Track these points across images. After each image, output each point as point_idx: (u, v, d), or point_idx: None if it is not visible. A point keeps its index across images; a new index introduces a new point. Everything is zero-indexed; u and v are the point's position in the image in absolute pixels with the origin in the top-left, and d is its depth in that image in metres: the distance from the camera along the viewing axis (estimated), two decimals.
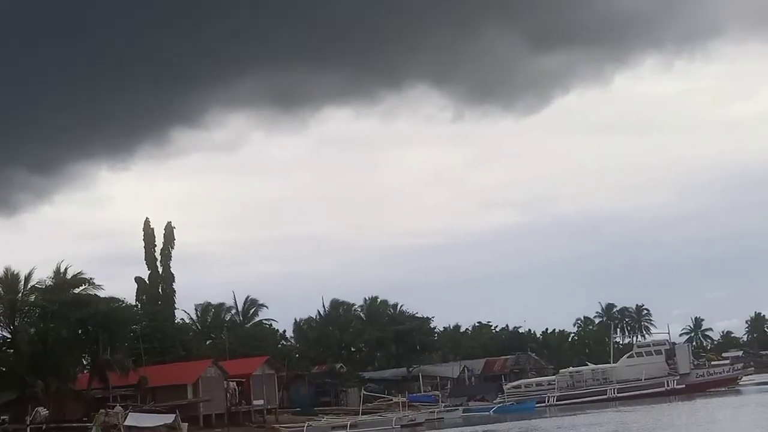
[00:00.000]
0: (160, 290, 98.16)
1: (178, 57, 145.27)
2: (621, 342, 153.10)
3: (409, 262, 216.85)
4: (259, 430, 70.88)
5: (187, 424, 56.29)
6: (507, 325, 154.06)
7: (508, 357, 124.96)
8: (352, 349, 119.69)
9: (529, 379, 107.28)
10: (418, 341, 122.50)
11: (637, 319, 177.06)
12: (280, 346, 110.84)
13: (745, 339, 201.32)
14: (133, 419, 55.48)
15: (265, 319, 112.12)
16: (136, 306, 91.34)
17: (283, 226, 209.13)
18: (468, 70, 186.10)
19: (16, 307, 67.00)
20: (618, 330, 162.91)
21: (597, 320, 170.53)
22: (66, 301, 67.74)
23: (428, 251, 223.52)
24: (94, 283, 71.60)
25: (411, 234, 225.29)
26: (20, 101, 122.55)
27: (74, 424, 57.81)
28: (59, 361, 65.46)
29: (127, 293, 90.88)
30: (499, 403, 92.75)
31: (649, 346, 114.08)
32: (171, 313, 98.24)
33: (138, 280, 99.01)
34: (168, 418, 55.30)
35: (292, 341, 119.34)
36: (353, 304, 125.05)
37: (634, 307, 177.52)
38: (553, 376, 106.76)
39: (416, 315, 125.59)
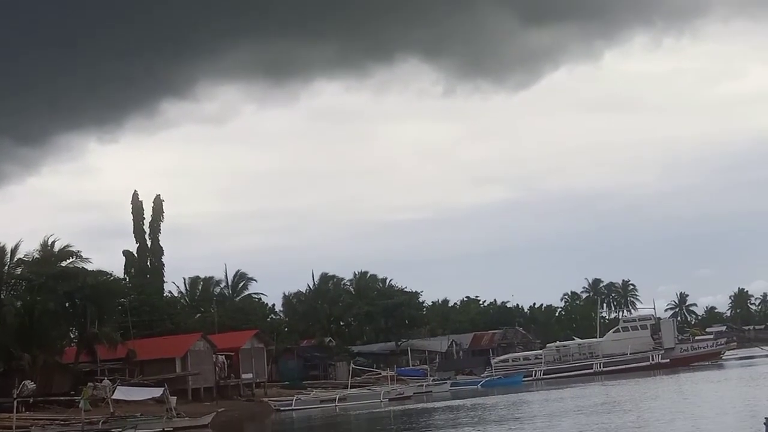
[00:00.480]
0: (148, 263, 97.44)
1: (168, 28, 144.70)
2: (607, 317, 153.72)
3: (399, 237, 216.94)
4: (248, 404, 70.67)
5: (175, 397, 55.93)
6: (495, 300, 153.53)
7: (495, 331, 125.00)
8: (341, 323, 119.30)
9: (516, 354, 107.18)
10: (407, 315, 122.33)
11: (623, 294, 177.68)
12: (269, 319, 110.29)
13: (729, 314, 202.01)
14: (122, 393, 55.16)
15: (254, 293, 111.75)
16: (125, 279, 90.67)
17: (272, 199, 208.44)
18: (460, 44, 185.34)
19: (2, 280, 66.35)
20: (604, 305, 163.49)
21: (584, 295, 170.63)
22: (53, 274, 67.23)
23: (418, 226, 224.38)
24: (81, 256, 71.12)
25: (401, 208, 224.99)
26: (7, 72, 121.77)
27: (62, 398, 57.53)
28: (46, 335, 65.10)
29: (116, 266, 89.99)
30: (487, 377, 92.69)
31: (634, 321, 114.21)
32: (160, 286, 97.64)
33: (126, 253, 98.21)
34: (156, 392, 54.97)
35: (281, 315, 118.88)
36: (342, 279, 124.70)
37: (620, 282, 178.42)
38: (540, 351, 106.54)
39: (405, 289, 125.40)
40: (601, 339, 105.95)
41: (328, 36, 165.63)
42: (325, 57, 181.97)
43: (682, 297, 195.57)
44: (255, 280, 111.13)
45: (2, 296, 66.37)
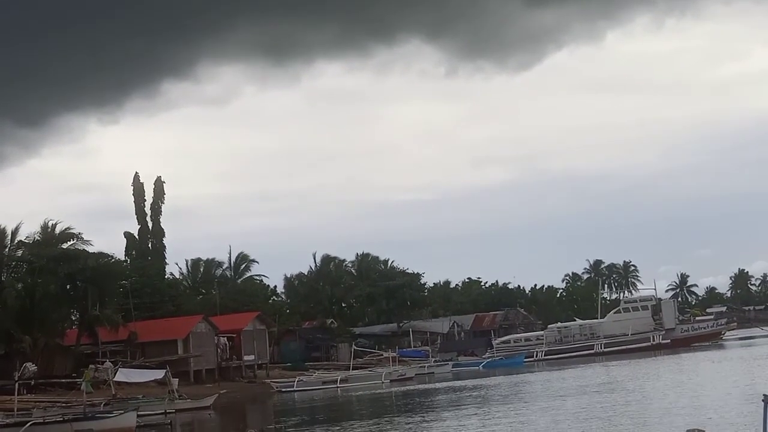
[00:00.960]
0: (149, 245, 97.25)
1: (169, 8, 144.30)
2: (608, 298, 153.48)
3: (400, 218, 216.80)
4: (250, 386, 70.66)
5: (177, 379, 55.92)
6: (496, 281, 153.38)
7: (497, 312, 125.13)
8: (343, 305, 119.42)
9: (517, 335, 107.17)
10: (409, 297, 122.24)
11: (624, 275, 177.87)
12: (270, 301, 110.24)
13: (729, 295, 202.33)
14: (123, 375, 55.08)
15: (256, 275, 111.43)
16: (126, 261, 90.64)
17: (274, 181, 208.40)
18: (462, 24, 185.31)
19: (3, 262, 66.36)
20: (605, 286, 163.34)
21: (585, 276, 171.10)
22: (54, 256, 67.07)
23: (419, 207, 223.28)
24: (82, 238, 71.04)
25: (402, 189, 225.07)
26: (7, 54, 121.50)
27: (63, 380, 57.47)
28: (47, 317, 65.07)
29: (117, 248, 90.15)
30: (489, 358, 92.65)
31: (635, 301, 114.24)
32: (161, 268, 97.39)
33: (127, 235, 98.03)
34: (158, 374, 54.91)
35: (283, 297, 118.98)
36: (344, 260, 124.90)
37: (621, 263, 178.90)
38: (542, 332, 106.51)
39: (407, 271, 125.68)
40: (602, 320, 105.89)
41: (330, 16, 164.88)
42: (327, 38, 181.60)
43: (683, 278, 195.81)
44: (257, 261, 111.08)
45: (3, 278, 66.27)
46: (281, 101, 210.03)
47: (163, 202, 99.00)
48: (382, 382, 69.91)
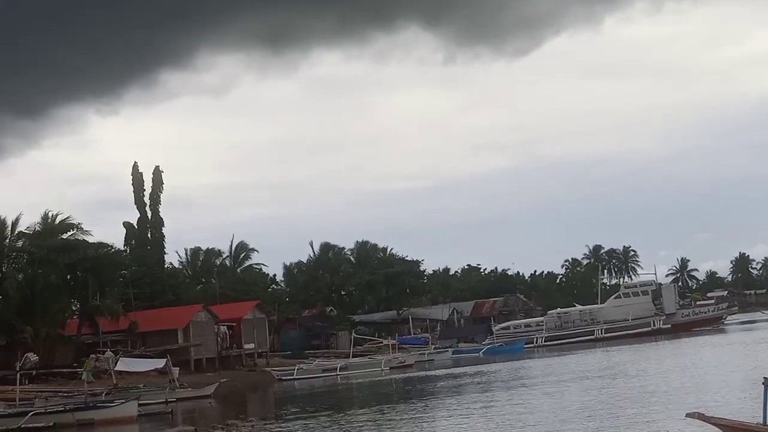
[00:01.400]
0: (149, 235, 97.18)
1: None
2: (608, 283, 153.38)
3: (399, 205, 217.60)
4: (251, 374, 70.76)
5: (178, 368, 56.06)
6: (496, 268, 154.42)
7: (496, 299, 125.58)
8: (343, 293, 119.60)
9: (517, 321, 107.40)
10: (408, 284, 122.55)
11: (624, 260, 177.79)
12: (270, 290, 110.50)
13: (730, 279, 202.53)
14: (124, 364, 55.21)
15: (256, 264, 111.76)
16: (125, 251, 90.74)
17: (273, 170, 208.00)
18: (459, 11, 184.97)
19: (4, 253, 66.36)
20: (605, 271, 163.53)
21: (585, 262, 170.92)
22: (54, 247, 67.15)
23: (418, 194, 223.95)
24: (82, 228, 71.11)
25: (401, 177, 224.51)
26: (6, 44, 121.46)
27: (64, 370, 57.57)
28: (48, 307, 65.05)
29: (116, 238, 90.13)
30: (488, 344, 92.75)
31: (635, 286, 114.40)
32: (161, 257, 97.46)
33: (126, 225, 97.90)
34: (159, 363, 55.02)
35: (283, 285, 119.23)
36: (343, 248, 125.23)
37: (621, 248, 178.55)
38: (541, 318, 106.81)
39: (406, 258, 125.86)
40: (602, 305, 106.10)
41: (328, 4, 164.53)
42: (325, 26, 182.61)
43: (683, 262, 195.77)
44: (256, 250, 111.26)
45: (4, 269, 66.36)
46: (280, 90, 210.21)
47: (161, 192, 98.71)
48: (382, 370, 69.90)
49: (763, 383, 12.23)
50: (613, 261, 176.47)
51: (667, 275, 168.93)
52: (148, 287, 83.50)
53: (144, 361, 57.14)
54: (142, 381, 52.24)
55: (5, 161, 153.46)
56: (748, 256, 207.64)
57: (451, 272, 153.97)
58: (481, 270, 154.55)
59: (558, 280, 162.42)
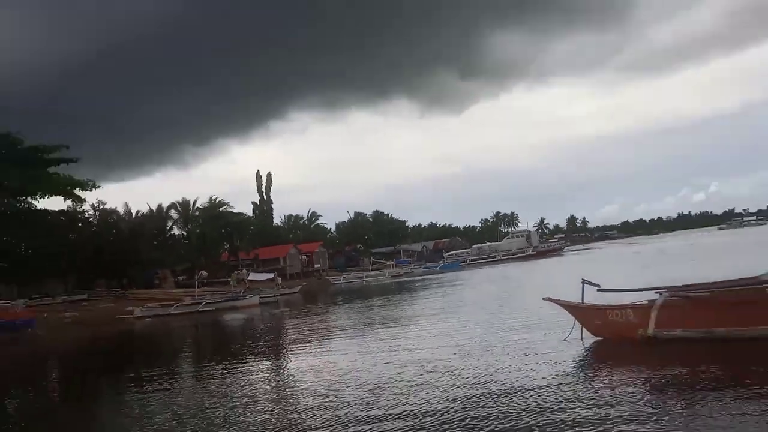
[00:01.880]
0: (264, 209, 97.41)
1: (274, 79, 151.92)
2: (503, 231, 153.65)
3: (393, 191, 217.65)
4: (319, 281, 70.91)
5: (280, 278, 56.13)
6: (445, 224, 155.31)
7: (446, 239, 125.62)
8: (366, 237, 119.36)
9: (456, 251, 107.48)
10: (400, 233, 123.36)
11: (511, 219, 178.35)
12: (328, 236, 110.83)
13: (566, 228, 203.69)
14: (252, 276, 55.34)
15: (321, 222, 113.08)
16: (253, 217, 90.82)
17: (328, 174, 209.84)
18: (426, 90, 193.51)
19: (188, 219, 66.75)
20: (502, 225, 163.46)
21: (491, 220, 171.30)
22: (215, 215, 67.52)
23: (406, 186, 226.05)
24: (230, 205, 71.71)
25: (395, 176, 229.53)
26: (193, 102, 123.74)
27: (221, 280, 57.78)
28: (212, 247, 65.59)
29: (247, 210, 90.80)
30: (442, 264, 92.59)
31: (517, 233, 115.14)
32: (270, 221, 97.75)
33: (253, 203, 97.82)
34: (270, 276, 55.14)
35: (335, 233, 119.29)
36: (365, 214, 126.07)
37: (510, 213, 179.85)
38: (469, 249, 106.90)
39: (399, 219, 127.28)
40: (500, 242, 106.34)
41: (359, 85, 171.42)
42: (357, 98, 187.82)
43: (542, 220, 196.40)
44: (321, 215, 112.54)
45: (189, 227, 66.51)
46: (332, 132, 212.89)
47: (271, 185, 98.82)
48: (386, 278, 69.98)
49: (581, 282, 12.02)
50: (506, 219, 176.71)
51: (533, 226, 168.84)
52: (265, 236, 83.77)
53: (262, 275, 57.21)
54: (262, 285, 52.31)
55: (189, 170, 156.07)
56: (575, 216, 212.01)
57: (422, 226, 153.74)
58: (438, 225, 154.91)
59: (478, 230, 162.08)
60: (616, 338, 10.97)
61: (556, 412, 7.21)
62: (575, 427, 6.66)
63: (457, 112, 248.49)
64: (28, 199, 45.68)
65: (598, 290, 11.70)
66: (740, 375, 7.92)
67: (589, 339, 11.47)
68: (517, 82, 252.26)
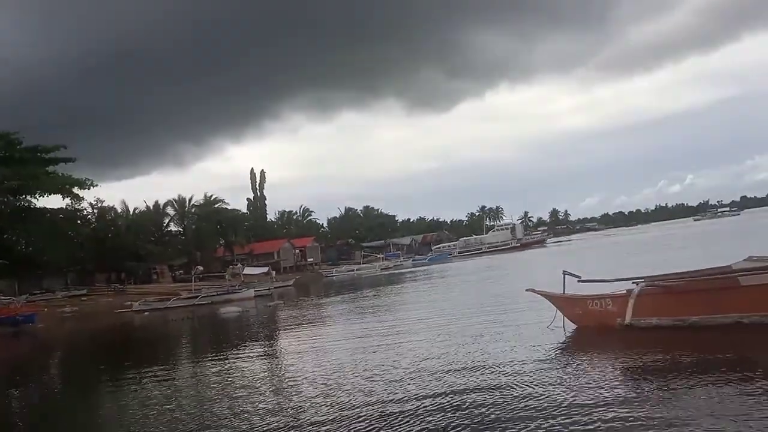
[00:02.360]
0: (258, 204, 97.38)
1: (269, 80, 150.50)
2: (489, 224, 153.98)
3: (383, 185, 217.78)
4: (311, 274, 70.94)
5: (274, 272, 56.20)
6: (433, 218, 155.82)
7: (434, 233, 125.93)
8: (356, 231, 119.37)
9: (444, 244, 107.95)
10: (390, 227, 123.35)
11: (496, 213, 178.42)
12: (320, 231, 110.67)
13: (549, 221, 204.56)
14: (247, 270, 55.29)
15: (313, 218, 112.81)
16: (247, 213, 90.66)
17: (319, 169, 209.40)
18: (413, 89, 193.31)
19: (185, 216, 66.48)
20: (487, 218, 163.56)
21: (477, 214, 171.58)
22: (210, 211, 67.32)
23: (394, 180, 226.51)
24: (225, 201, 71.64)
25: (384, 171, 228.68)
26: (190, 103, 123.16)
27: (216, 274, 57.64)
28: (207, 242, 65.29)
29: (242, 206, 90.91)
30: (430, 256, 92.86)
31: (502, 226, 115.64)
32: (264, 216, 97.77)
33: (248, 200, 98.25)
34: (264, 270, 55.17)
35: (327, 228, 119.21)
36: (356, 209, 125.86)
37: (495, 207, 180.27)
38: (456, 242, 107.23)
39: (388, 214, 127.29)
40: (486, 235, 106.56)
41: (348, 86, 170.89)
42: (347, 97, 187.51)
43: (526, 214, 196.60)
44: (313, 211, 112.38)
45: (185, 223, 66.23)
46: (323, 130, 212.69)
47: (265, 182, 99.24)
48: (376, 270, 70.05)
49: (562, 273, 12.11)
50: (491, 213, 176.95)
51: (518, 219, 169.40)
52: (259, 231, 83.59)
53: (257, 269, 57.18)
54: (256, 279, 52.30)
55: (187, 168, 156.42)
56: (557, 210, 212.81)
57: (411, 220, 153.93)
58: (426, 219, 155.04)
59: (464, 224, 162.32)
60: (596, 327, 11.07)
61: (537, 397, 7.30)
62: (557, 409, 6.76)
63: (445, 110, 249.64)
64: (28, 197, 45.39)
65: (578, 281, 11.78)
66: (711, 361, 8.03)
67: (571, 327, 11.56)
68: (502, 80, 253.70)
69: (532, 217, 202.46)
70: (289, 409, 8.21)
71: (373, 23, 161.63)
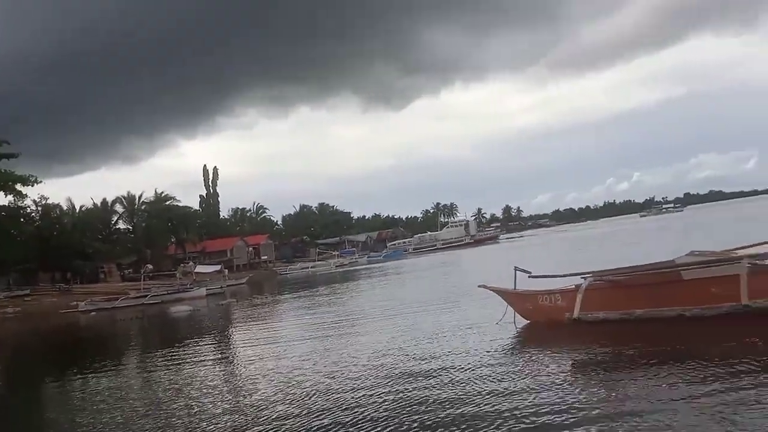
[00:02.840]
0: (211, 201, 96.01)
1: (221, 74, 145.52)
2: (443, 221, 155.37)
3: (339, 183, 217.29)
4: (265, 272, 70.18)
5: (227, 270, 55.13)
6: (389, 215, 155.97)
7: (389, 230, 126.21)
8: (311, 228, 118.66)
9: (399, 240, 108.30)
10: (345, 224, 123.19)
11: (451, 210, 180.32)
12: (274, 228, 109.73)
13: (502, 217, 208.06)
14: (199, 269, 54.18)
15: (267, 215, 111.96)
16: (200, 210, 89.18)
17: (273, 166, 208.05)
18: (369, 85, 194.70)
19: (134, 212, 64.94)
20: (442, 215, 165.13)
21: (432, 211, 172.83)
22: (161, 209, 65.95)
23: (352, 177, 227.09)
24: (176, 199, 70.43)
25: (343, 168, 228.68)
26: (139, 96, 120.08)
27: (167, 273, 56.44)
28: (158, 239, 63.93)
29: (194, 203, 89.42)
30: (385, 253, 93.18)
31: (456, 223, 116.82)
32: (217, 213, 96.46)
33: (200, 197, 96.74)
34: (217, 267, 54.06)
35: (281, 225, 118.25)
36: (311, 206, 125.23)
37: (449, 203, 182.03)
38: (411, 239, 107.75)
39: (343, 211, 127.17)
40: (440, 232, 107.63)
41: (303, 82, 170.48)
42: (302, 92, 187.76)
43: (479, 210, 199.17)
44: (267, 208, 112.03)
45: (135, 221, 64.75)
46: (279, 126, 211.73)
47: (218, 178, 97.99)
48: (331, 268, 69.86)
49: (514, 269, 12.34)
50: (445, 210, 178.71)
51: (471, 216, 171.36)
52: (212, 228, 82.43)
53: (209, 267, 56.10)
54: (208, 277, 51.37)
55: (137, 164, 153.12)
56: (511, 206, 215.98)
57: (367, 217, 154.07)
58: (381, 216, 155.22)
59: (419, 220, 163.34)
60: (546, 321, 11.31)
61: (488, 392, 7.46)
62: (507, 397, 6.98)
63: (400, 107, 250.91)
64: None
65: (529, 276, 12.01)
66: (654, 352, 8.33)
67: (522, 323, 11.78)
68: (457, 78, 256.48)
69: (485, 213, 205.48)
70: (247, 408, 8.15)
71: (325, 19, 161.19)
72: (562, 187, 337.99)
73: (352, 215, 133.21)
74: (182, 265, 56.67)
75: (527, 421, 6.27)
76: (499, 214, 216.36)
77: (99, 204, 63.61)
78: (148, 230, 63.38)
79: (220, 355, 13.97)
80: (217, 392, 9.47)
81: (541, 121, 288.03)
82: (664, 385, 6.82)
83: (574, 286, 11.10)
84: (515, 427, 6.17)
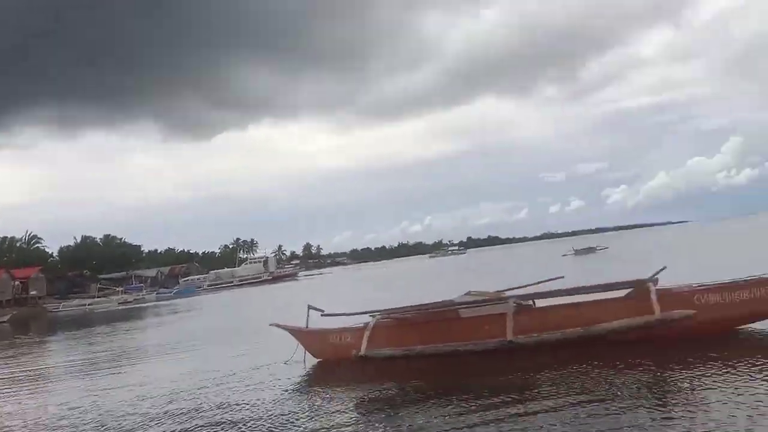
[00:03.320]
0: None
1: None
2: (242, 257, 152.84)
3: (132, 216, 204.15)
4: (34, 309, 62.85)
5: None
6: (183, 249, 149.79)
7: (183, 265, 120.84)
8: (94, 263, 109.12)
9: (193, 276, 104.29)
10: (134, 257, 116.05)
11: (251, 246, 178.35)
12: (49, 260, 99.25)
13: (302, 254, 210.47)
14: None
15: (42, 246, 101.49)
16: None
17: (51, 193, 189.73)
18: (173, 116, 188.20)
19: None
20: (241, 251, 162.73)
21: (231, 246, 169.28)
22: None
23: (142, 212, 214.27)
24: None
25: (137, 199, 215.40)
26: None
27: None
28: None
29: None
30: (177, 289, 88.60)
31: (255, 259, 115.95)
32: None
33: None
34: None
35: (58, 257, 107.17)
36: (95, 237, 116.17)
37: (250, 239, 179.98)
38: (206, 275, 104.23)
39: (132, 243, 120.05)
40: (238, 268, 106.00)
41: (96, 103, 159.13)
42: (92, 116, 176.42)
43: (280, 247, 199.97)
44: (42, 238, 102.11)
45: None
46: (66, 150, 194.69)
47: None
48: (113, 305, 64.98)
49: (307, 307, 12.43)
50: (245, 246, 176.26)
51: (271, 253, 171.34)
52: None
53: None
54: None
55: None
56: (311, 244, 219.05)
57: (159, 251, 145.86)
58: (176, 251, 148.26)
59: (217, 256, 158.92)
60: (335, 359, 11.47)
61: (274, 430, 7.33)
62: None
63: (205, 139, 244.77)
64: None
65: (321, 315, 12.14)
66: (433, 386, 8.83)
67: (312, 361, 11.83)
68: (266, 115, 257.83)
69: (285, 250, 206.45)
70: None
71: (125, 42, 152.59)
72: (361, 226, 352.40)
73: (142, 248, 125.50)
74: None
75: None
76: (299, 251, 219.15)
77: None
78: None
79: None
80: None
81: (345, 163, 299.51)
82: (443, 416, 7.24)
83: (363, 325, 11.42)
84: None
